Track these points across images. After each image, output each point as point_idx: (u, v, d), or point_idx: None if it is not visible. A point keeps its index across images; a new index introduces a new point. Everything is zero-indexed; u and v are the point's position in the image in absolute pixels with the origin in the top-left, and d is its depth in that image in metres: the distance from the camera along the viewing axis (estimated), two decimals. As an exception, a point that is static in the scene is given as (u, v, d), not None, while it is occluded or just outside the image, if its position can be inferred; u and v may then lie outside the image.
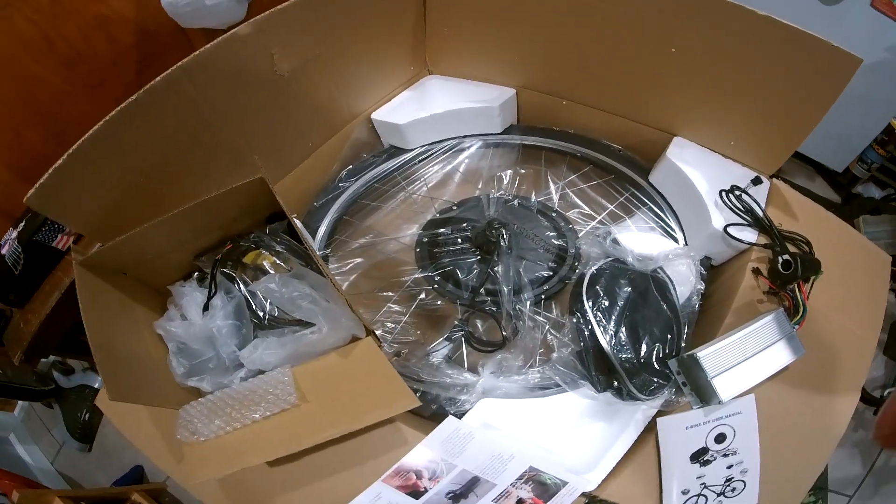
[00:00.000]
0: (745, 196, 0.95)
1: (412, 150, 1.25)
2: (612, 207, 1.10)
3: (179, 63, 0.90)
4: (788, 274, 0.88)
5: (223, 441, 0.81)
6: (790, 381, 0.87)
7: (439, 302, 1.04)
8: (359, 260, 1.12)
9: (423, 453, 0.82)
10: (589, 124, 1.18)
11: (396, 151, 1.25)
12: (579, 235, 1.05)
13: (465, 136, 1.25)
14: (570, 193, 1.13)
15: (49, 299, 1.40)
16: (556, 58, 1.14)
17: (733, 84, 0.97)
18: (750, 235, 0.94)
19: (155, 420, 0.91)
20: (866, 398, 1.46)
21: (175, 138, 0.94)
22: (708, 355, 0.82)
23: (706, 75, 0.99)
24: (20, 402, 2.61)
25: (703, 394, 0.83)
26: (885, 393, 1.41)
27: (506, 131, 1.24)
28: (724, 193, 0.95)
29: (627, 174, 1.12)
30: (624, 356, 0.86)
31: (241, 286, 0.95)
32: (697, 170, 1.01)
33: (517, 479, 0.80)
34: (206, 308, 0.93)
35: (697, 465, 0.84)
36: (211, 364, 0.91)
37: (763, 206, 0.95)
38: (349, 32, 1.11)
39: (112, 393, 0.75)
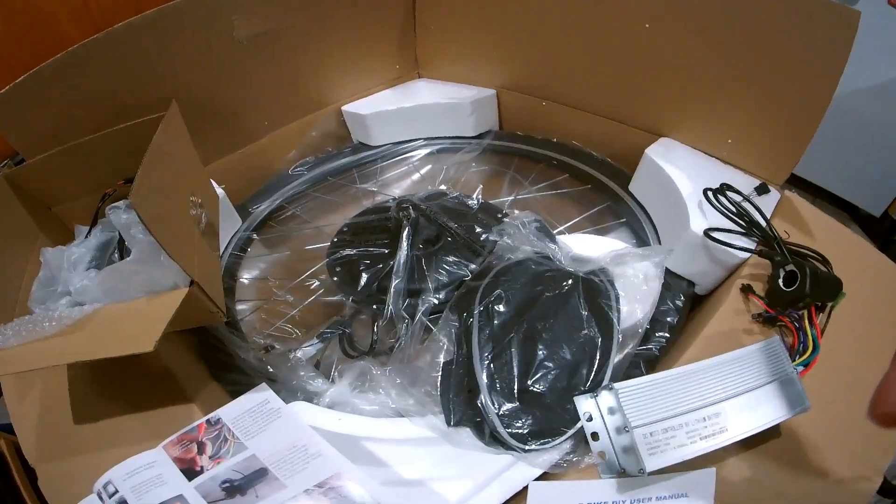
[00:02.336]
0: (741, 200, 0.61)
1: (377, 147, 1.00)
2: (578, 219, 0.78)
3: (144, 13, 0.80)
4: (792, 291, 0.52)
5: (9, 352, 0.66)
6: (780, 454, 0.49)
7: (336, 297, 0.76)
8: (284, 249, 0.88)
9: (214, 422, 0.63)
10: (571, 129, 0.89)
11: (360, 147, 1.01)
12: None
13: (435, 138, 0.99)
14: (534, 200, 0.83)
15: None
16: (531, 53, 0.90)
17: (721, 63, 0.68)
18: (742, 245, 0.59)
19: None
20: (884, 488, 0.89)
21: (125, 83, 0.83)
22: (633, 391, 0.47)
23: (687, 55, 0.71)
24: None
25: (620, 455, 0.47)
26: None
27: (479, 136, 0.97)
28: (710, 192, 0.61)
29: (606, 184, 0.81)
30: (501, 377, 0.52)
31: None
32: (683, 171, 0.68)
33: (315, 486, 0.56)
34: (86, 240, 0.79)
35: None
36: (59, 290, 0.75)
37: (767, 215, 0.61)
38: (325, 13, 0.93)
39: None
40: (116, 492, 0.62)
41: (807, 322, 0.53)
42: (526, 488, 0.49)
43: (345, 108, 1.01)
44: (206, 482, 0.60)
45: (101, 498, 0.63)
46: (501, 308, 0.55)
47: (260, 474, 0.59)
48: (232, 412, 0.64)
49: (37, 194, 0.83)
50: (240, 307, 0.80)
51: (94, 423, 0.70)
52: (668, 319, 0.61)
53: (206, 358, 0.73)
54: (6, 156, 1.53)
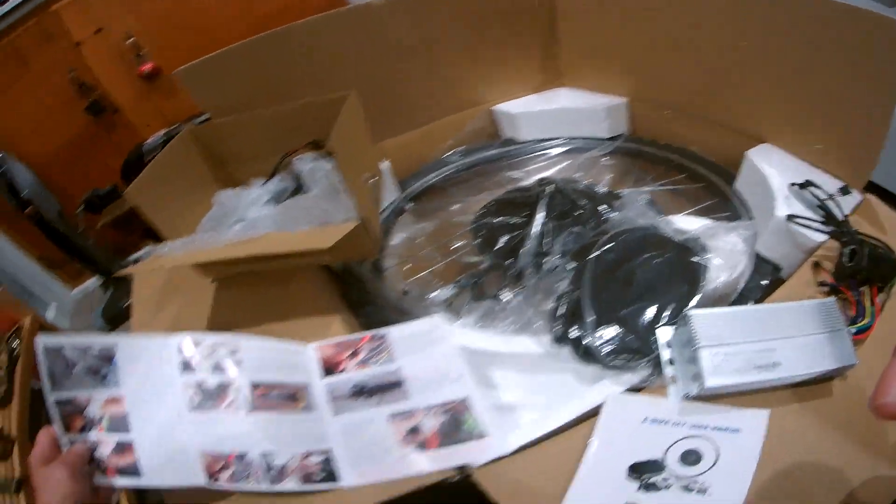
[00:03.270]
0: (822, 196, 0.74)
1: (523, 142, 1.20)
2: (689, 212, 0.91)
3: (324, 12, 1.01)
4: (852, 266, 0.64)
5: (180, 256, 0.81)
6: (830, 415, 0.56)
7: (474, 259, 0.94)
8: (434, 219, 1.08)
9: (378, 337, 0.68)
10: (689, 135, 1.03)
11: (508, 142, 1.22)
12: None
13: (574, 138, 1.17)
14: (653, 193, 0.97)
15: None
16: (657, 68, 1.05)
17: (806, 77, 0.80)
18: (819, 235, 0.72)
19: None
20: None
21: (304, 68, 1.04)
22: (704, 318, 0.59)
23: (779, 69, 0.83)
24: (82, 286, 2.71)
25: (688, 381, 0.60)
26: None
27: (612, 138, 1.14)
28: (795, 185, 0.76)
29: (716, 183, 0.95)
30: (601, 306, 0.68)
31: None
32: (776, 169, 0.82)
33: (437, 405, 0.64)
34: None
35: (636, 483, 0.55)
36: (233, 220, 0.92)
37: (845, 211, 0.73)
38: (477, 26, 1.13)
39: (135, 188, 0.81)
40: (237, 353, 0.64)
41: (867, 298, 0.64)
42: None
43: (496, 107, 1.21)
44: (339, 382, 0.66)
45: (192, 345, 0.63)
46: (611, 257, 0.72)
47: (394, 385, 0.65)
48: (400, 332, 0.68)
49: (215, 151, 1.00)
50: (388, 262, 0.99)
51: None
52: (752, 295, 0.74)
53: (347, 294, 0.89)
54: (192, 116, 1.90)
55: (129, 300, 2.33)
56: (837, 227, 0.70)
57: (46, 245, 2.43)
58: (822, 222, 0.72)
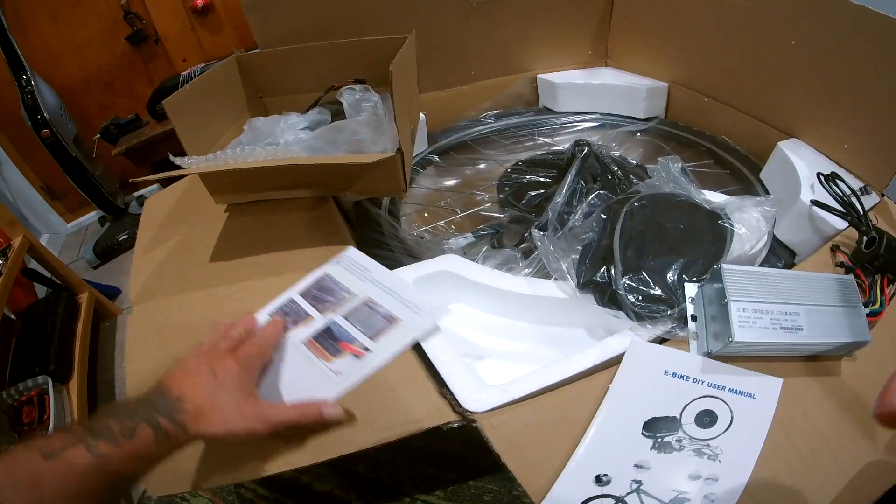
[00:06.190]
0: (845, 188, 0.79)
1: (559, 112, 1.24)
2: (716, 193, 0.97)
3: None
4: (870, 252, 0.68)
5: (208, 165, 0.81)
6: (837, 393, 0.57)
7: (496, 214, 0.99)
8: (458, 175, 1.12)
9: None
10: (723, 124, 1.08)
11: (544, 111, 1.26)
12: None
13: (610, 115, 1.21)
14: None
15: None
16: (701, 57, 1.10)
17: (844, 80, 0.84)
18: (839, 222, 0.76)
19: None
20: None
21: (366, 8, 1.07)
22: (735, 273, 0.60)
23: (820, 71, 0.87)
24: (77, 221, 2.75)
25: (710, 339, 0.61)
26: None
27: (647, 120, 1.19)
28: (822, 176, 0.80)
29: (742, 171, 0.99)
30: (631, 254, 0.70)
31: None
32: (804, 161, 0.87)
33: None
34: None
35: (650, 441, 0.54)
36: (266, 142, 0.92)
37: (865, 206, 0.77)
38: None
39: (174, 99, 0.82)
40: None
41: (878, 286, 0.68)
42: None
43: (540, 75, 1.26)
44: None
45: None
46: (644, 212, 0.76)
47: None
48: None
49: (256, 80, 1.03)
50: (406, 209, 1.02)
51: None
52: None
53: (361, 236, 0.91)
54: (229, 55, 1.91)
55: (123, 235, 2.41)
56: (858, 217, 0.75)
57: (51, 175, 2.49)
58: (842, 212, 0.77)
